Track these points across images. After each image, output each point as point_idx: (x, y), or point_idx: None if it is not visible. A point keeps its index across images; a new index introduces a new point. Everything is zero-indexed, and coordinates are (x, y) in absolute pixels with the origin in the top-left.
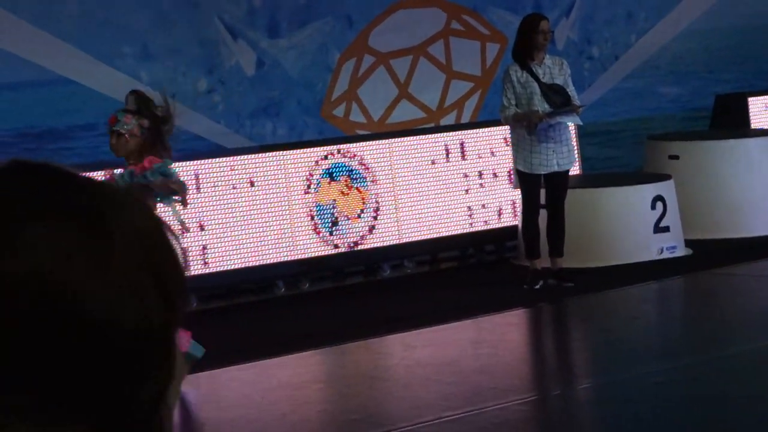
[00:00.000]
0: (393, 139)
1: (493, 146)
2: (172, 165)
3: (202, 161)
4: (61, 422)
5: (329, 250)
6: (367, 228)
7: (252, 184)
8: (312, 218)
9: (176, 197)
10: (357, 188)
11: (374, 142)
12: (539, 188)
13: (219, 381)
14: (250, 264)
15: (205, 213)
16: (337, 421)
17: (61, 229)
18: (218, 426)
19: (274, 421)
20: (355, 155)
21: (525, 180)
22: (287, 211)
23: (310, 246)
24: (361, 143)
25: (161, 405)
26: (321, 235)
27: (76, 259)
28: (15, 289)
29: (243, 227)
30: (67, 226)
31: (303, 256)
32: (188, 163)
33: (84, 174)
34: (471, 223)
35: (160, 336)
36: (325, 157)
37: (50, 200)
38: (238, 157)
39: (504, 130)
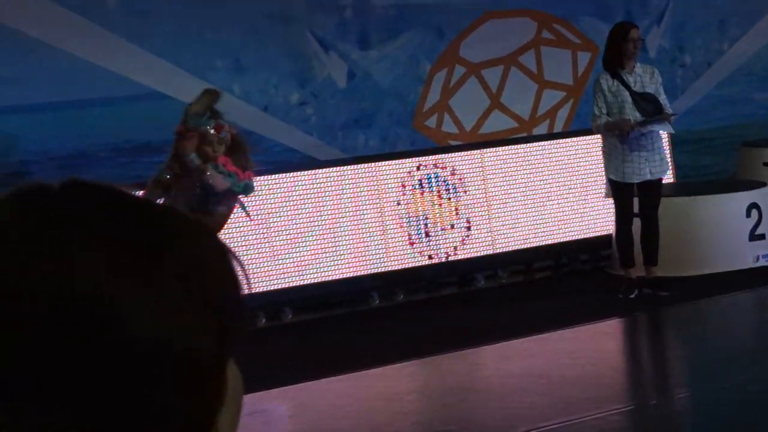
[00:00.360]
0: (485, 149)
1: (585, 155)
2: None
3: (296, 173)
4: None
5: (423, 261)
6: (460, 238)
7: (344, 195)
8: (405, 229)
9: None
10: (449, 198)
11: (466, 152)
12: (632, 197)
13: (314, 392)
14: (345, 275)
15: (298, 225)
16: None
17: (110, 249)
18: None
19: None
20: (446, 166)
21: (618, 189)
22: (380, 223)
23: (404, 257)
24: (453, 153)
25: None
26: (415, 246)
27: (124, 279)
28: (58, 305)
29: (337, 239)
30: (117, 247)
31: (397, 267)
32: (282, 175)
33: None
34: (565, 233)
35: (210, 362)
36: (418, 168)
37: (103, 220)
38: (331, 168)
39: (596, 140)
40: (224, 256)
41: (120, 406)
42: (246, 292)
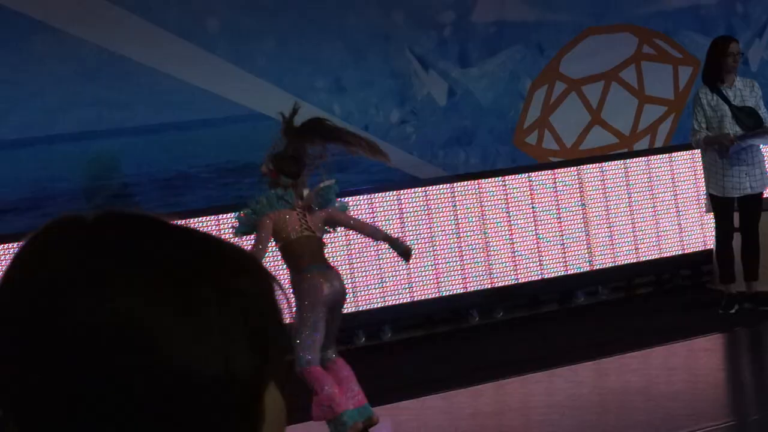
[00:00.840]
0: (583, 166)
1: (686, 170)
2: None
3: (397, 191)
4: None
5: (524, 278)
6: (559, 255)
7: (447, 213)
8: (507, 245)
9: None
10: (548, 215)
11: (565, 168)
12: (732, 212)
13: (415, 410)
14: (447, 293)
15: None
16: None
17: (145, 279)
18: None
19: None
20: (547, 182)
21: (718, 204)
22: (482, 240)
23: (504, 274)
24: (554, 170)
25: None
26: (516, 263)
27: (159, 308)
28: (97, 333)
29: (440, 256)
30: (152, 276)
31: (497, 285)
32: (383, 194)
33: (186, 225)
34: (665, 248)
35: (245, 389)
36: (515, 185)
37: (138, 250)
38: (434, 186)
39: (697, 154)
40: (266, 283)
41: (157, 429)
42: (286, 319)
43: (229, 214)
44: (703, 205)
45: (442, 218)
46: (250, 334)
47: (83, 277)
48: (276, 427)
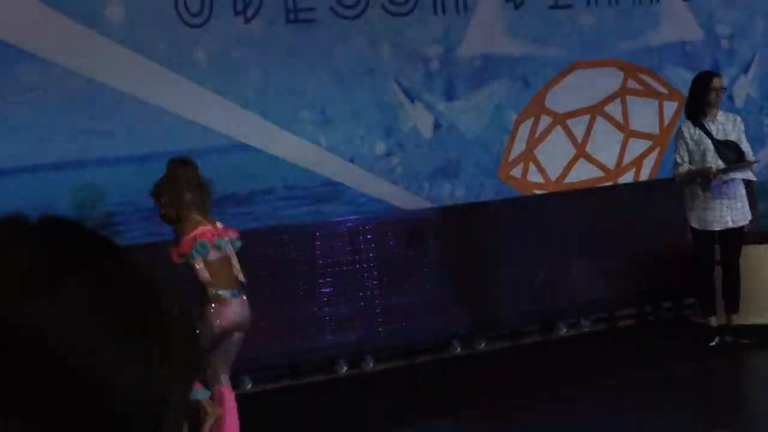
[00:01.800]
0: (565, 198)
1: (670, 203)
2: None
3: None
4: None
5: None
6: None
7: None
8: (491, 278)
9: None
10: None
11: (548, 201)
12: (714, 245)
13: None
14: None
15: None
16: None
17: (79, 287)
18: None
19: None
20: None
21: (699, 237)
22: (467, 270)
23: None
24: (537, 202)
25: None
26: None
27: (90, 319)
28: (19, 340)
29: (425, 287)
30: (86, 284)
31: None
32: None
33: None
34: (648, 281)
35: (172, 413)
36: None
37: (76, 257)
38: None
39: (680, 188)
40: (190, 313)
41: None
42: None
43: None
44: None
45: (424, 247)
46: (183, 360)
47: (25, 281)
48: None
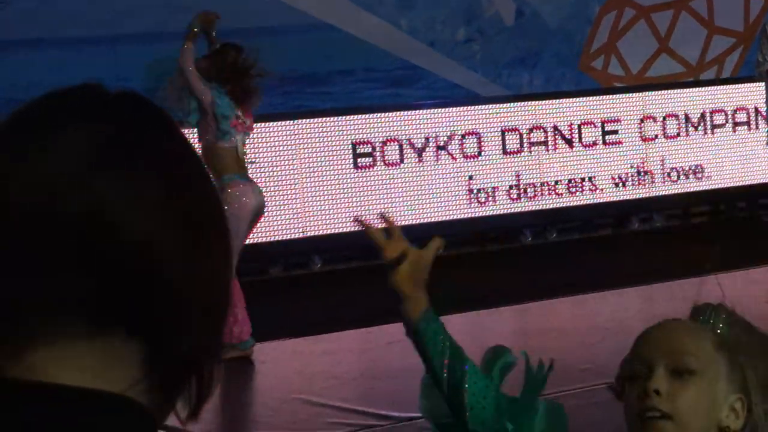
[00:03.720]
0: (646, 92)
1: (750, 102)
2: None
3: (458, 108)
4: (110, 327)
5: (577, 202)
6: (617, 181)
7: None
8: (564, 169)
9: None
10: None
11: (628, 94)
12: None
13: (455, 325)
14: (497, 212)
15: (456, 160)
16: (566, 369)
17: (99, 137)
18: None
19: None
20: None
21: None
22: (537, 161)
23: (558, 197)
24: (618, 95)
25: (214, 356)
26: (570, 186)
27: (157, 201)
28: (51, 193)
29: (492, 175)
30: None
31: (550, 206)
32: (445, 109)
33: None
34: (724, 179)
35: (205, 279)
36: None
37: (92, 111)
38: (493, 105)
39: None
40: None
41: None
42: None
43: (288, 122)
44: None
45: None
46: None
47: (101, 154)
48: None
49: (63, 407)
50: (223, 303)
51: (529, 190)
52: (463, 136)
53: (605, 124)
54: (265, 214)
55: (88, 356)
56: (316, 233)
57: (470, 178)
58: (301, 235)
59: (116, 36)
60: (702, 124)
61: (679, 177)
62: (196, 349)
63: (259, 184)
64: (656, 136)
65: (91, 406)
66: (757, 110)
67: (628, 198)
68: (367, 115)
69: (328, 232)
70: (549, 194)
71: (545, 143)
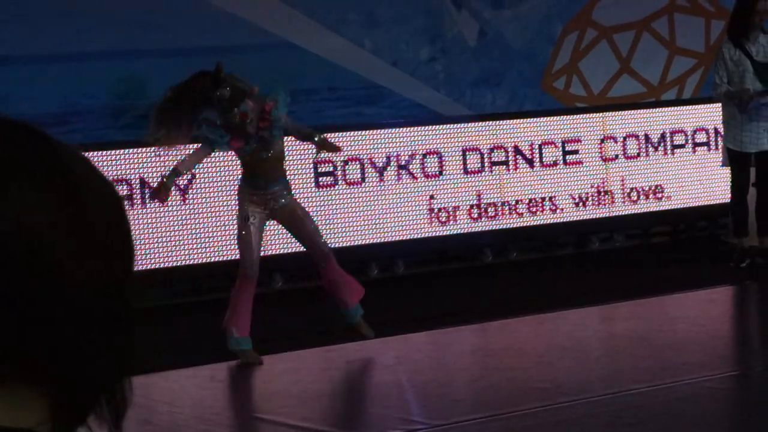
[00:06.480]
0: (608, 113)
1: (710, 123)
2: None
3: (420, 128)
4: (18, 382)
5: (538, 221)
6: (577, 200)
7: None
8: (524, 189)
9: None
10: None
11: (589, 114)
12: (749, 166)
13: (414, 344)
14: (458, 231)
15: (417, 179)
16: (525, 388)
17: (41, 188)
18: (412, 387)
19: (464, 385)
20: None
21: (735, 158)
22: (497, 181)
23: (519, 216)
24: (579, 116)
25: (123, 374)
26: (530, 205)
27: (55, 216)
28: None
29: (454, 195)
30: (47, 186)
31: (511, 226)
32: (406, 129)
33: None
34: (684, 200)
35: (123, 299)
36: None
37: (32, 160)
38: (455, 125)
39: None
40: (120, 198)
41: (42, 339)
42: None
43: None
44: (721, 158)
45: (460, 156)
46: (120, 247)
47: None
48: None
49: None
50: (124, 312)
51: (489, 209)
52: (424, 156)
53: (566, 144)
54: (226, 233)
55: None
56: (277, 252)
57: (431, 197)
58: (262, 254)
59: (82, 53)
60: (662, 145)
61: (639, 197)
62: (102, 371)
63: (219, 204)
64: (617, 156)
65: None
66: (716, 131)
67: (588, 218)
68: (329, 134)
69: (290, 251)
70: (510, 214)
71: (506, 163)
